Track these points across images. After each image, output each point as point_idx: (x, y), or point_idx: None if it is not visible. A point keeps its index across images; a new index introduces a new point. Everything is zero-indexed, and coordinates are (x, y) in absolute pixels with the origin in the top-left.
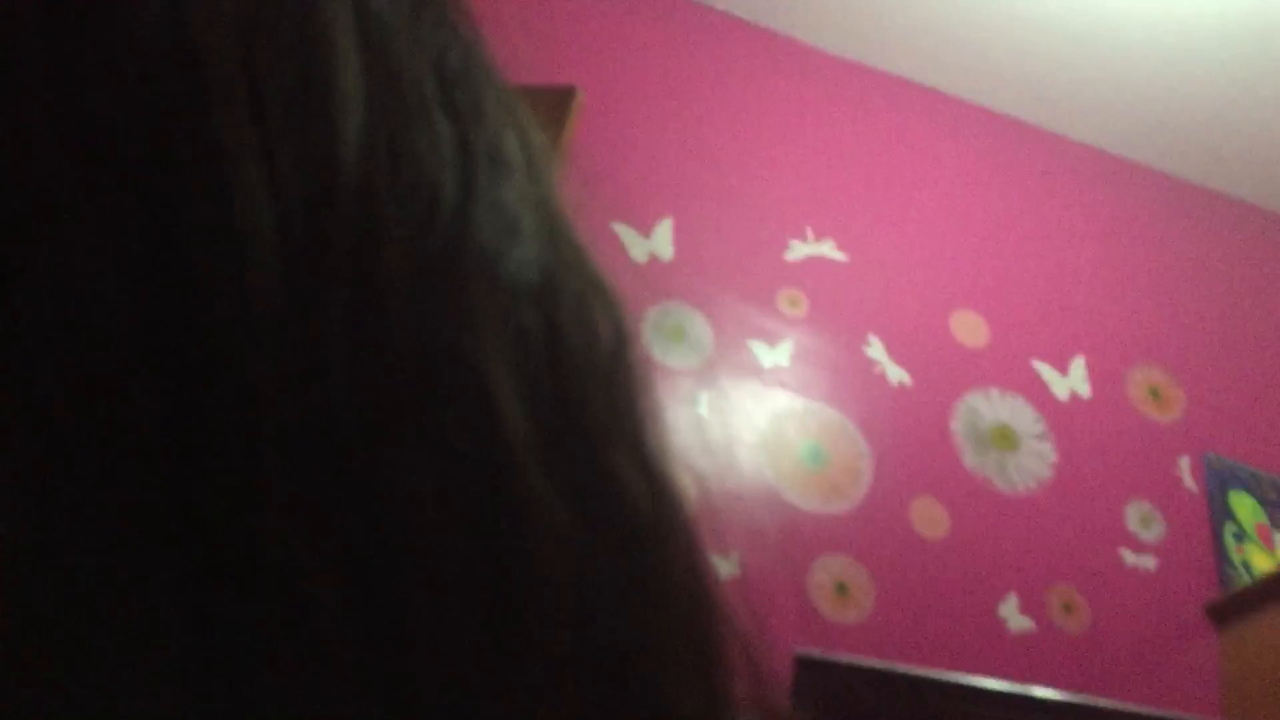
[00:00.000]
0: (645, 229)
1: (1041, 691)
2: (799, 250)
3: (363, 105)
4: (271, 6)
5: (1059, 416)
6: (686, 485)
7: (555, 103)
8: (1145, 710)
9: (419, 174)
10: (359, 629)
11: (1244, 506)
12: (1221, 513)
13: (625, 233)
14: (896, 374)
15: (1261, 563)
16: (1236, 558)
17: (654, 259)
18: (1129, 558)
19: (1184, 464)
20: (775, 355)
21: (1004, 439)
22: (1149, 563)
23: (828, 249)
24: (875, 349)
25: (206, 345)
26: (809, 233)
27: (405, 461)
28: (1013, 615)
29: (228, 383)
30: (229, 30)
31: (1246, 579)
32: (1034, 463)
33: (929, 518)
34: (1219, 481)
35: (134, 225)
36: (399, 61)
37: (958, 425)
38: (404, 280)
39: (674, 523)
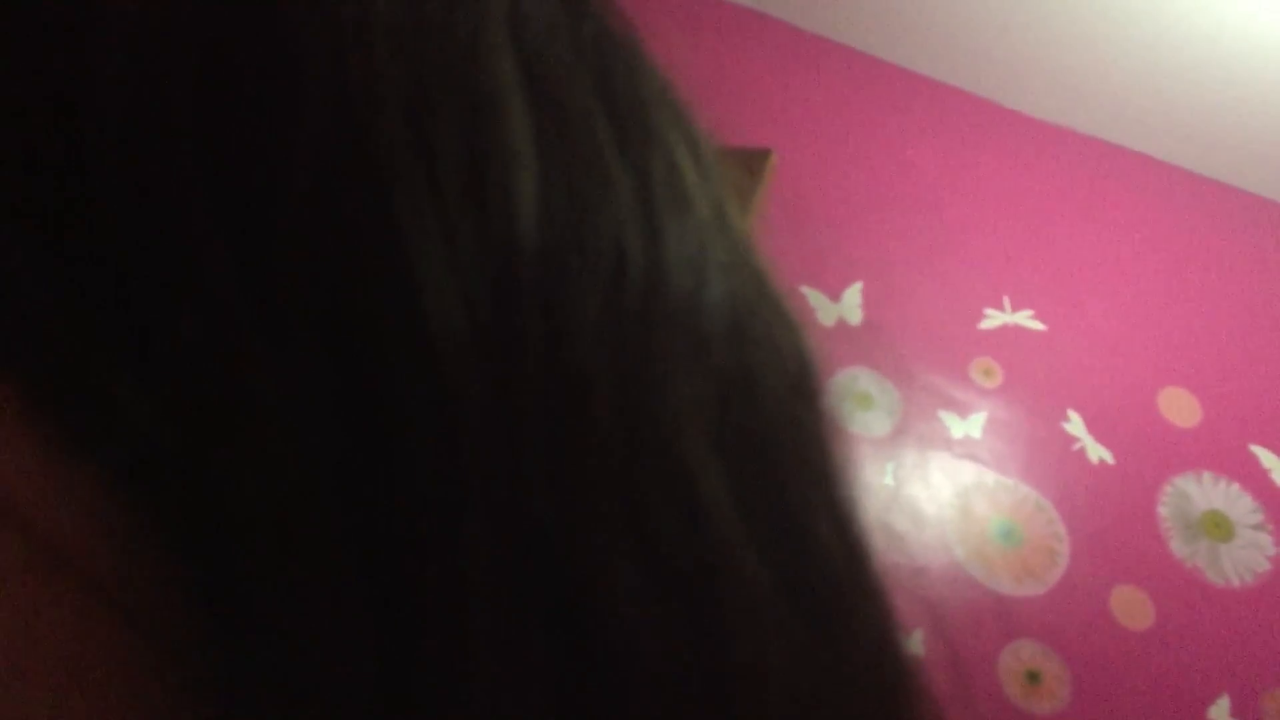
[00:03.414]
0: (835, 293)
1: None
2: (995, 319)
3: (535, 159)
4: (431, 63)
5: (1279, 505)
6: (875, 539)
7: (749, 165)
8: None
9: (601, 230)
10: None
11: None
12: None
13: (814, 296)
14: (1098, 452)
15: None
16: None
17: (842, 323)
18: None
19: None
20: (967, 426)
21: (1217, 527)
22: None
23: (1025, 318)
24: (1075, 425)
25: (405, 453)
26: (1006, 302)
27: (613, 563)
28: (1224, 718)
29: (430, 496)
30: (396, 106)
31: None
32: (1250, 554)
33: (1132, 607)
34: None
35: (316, 341)
36: (566, 100)
37: (1165, 510)
38: (599, 358)
39: (869, 583)
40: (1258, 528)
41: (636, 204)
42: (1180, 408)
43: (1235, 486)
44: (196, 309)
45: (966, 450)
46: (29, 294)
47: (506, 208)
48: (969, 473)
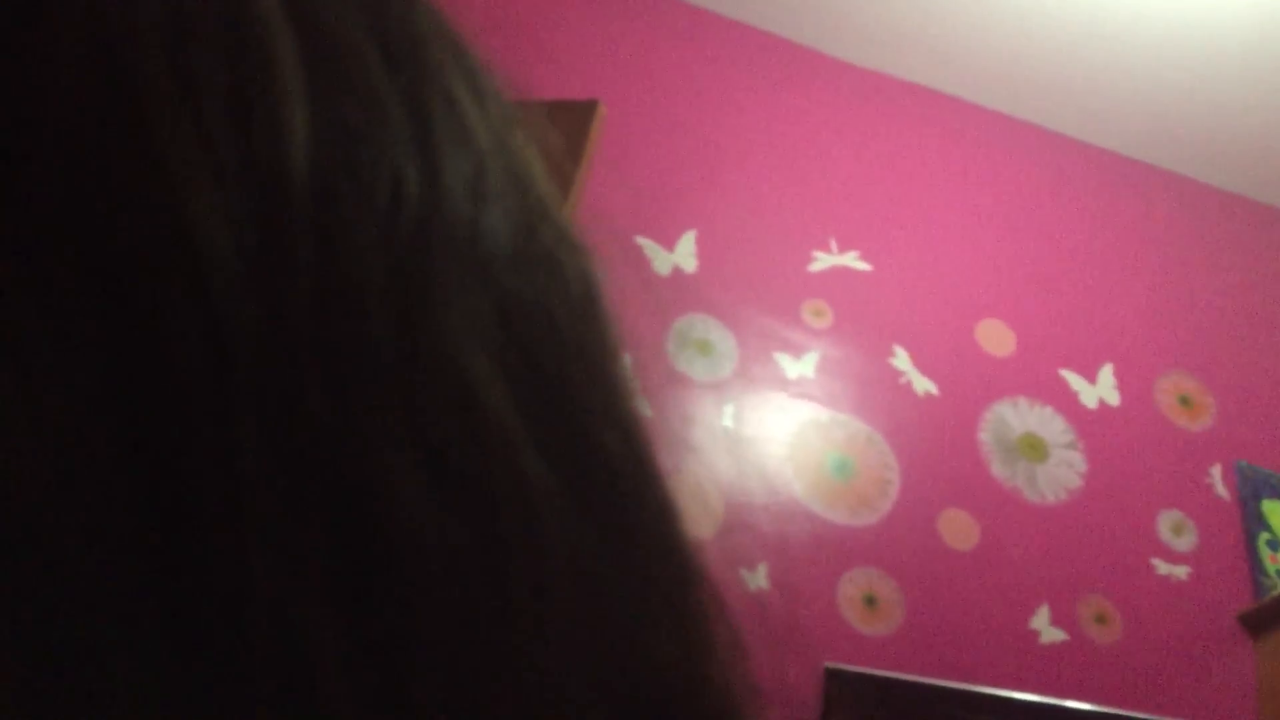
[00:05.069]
0: (669, 242)
1: (1074, 704)
2: (823, 261)
3: (304, 93)
4: (197, 3)
5: (1088, 425)
6: (695, 467)
7: (577, 117)
8: None
9: (375, 159)
10: (354, 647)
11: (1277, 514)
12: (1255, 521)
13: (649, 246)
14: (923, 384)
15: None
16: (1270, 566)
17: (678, 271)
18: (1162, 567)
19: (1216, 472)
20: (800, 367)
21: (1033, 449)
22: (1182, 572)
23: (852, 260)
24: (901, 359)
25: (177, 380)
26: (833, 244)
27: (394, 467)
28: (1045, 627)
29: (204, 414)
30: (155, 40)
31: None
32: (1064, 472)
33: (958, 529)
34: (1252, 490)
35: (80, 280)
36: (335, 34)
37: (986, 435)
38: (375, 280)
39: (655, 489)
40: (1069, 446)
41: (411, 134)
42: (996, 338)
43: (1048, 409)
44: None
45: (801, 390)
46: None
47: (274, 138)
48: (804, 411)
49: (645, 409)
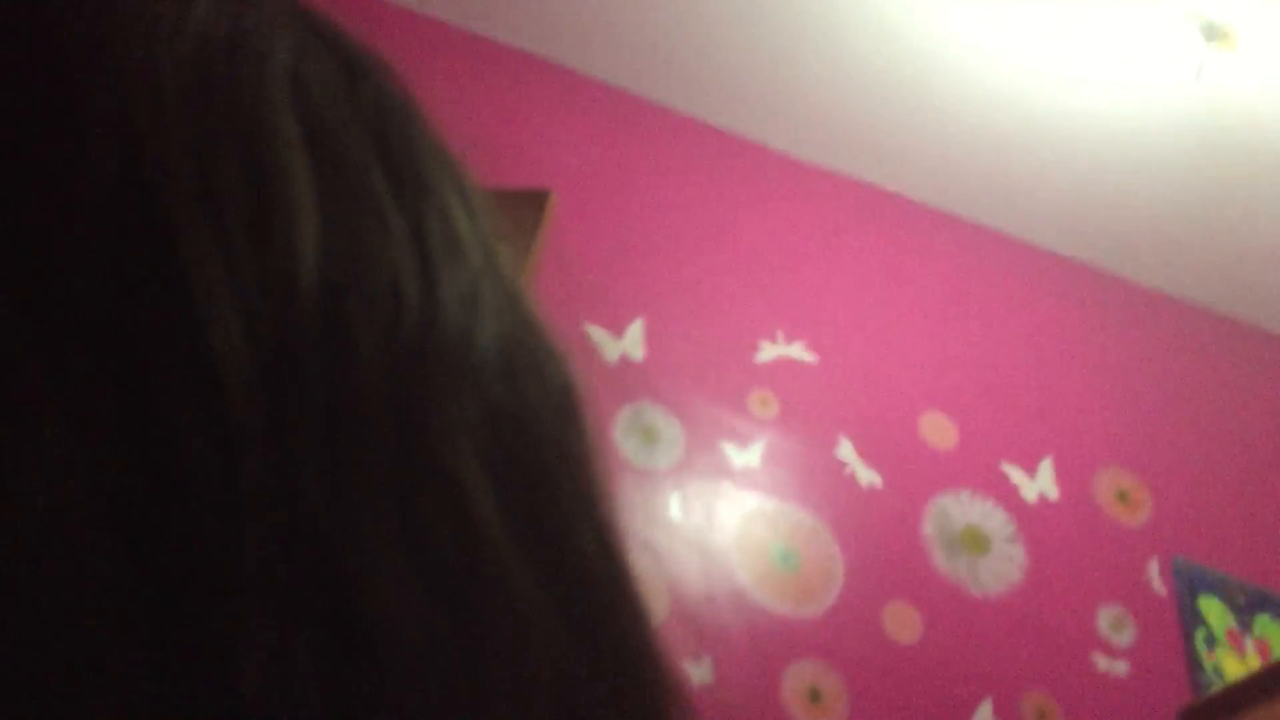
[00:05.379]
0: (617, 329)
1: None
2: (769, 351)
3: (315, 209)
4: (217, 120)
5: (1028, 519)
6: (638, 553)
7: (529, 205)
8: None
9: (379, 272)
10: None
11: (1214, 611)
12: (1192, 617)
13: (597, 333)
14: (867, 476)
15: (1233, 668)
16: (1208, 663)
17: (625, 359)
18: (1102, 662)
19: (1153, 568)
20: (746, 456)
21: (975, 542)
22: (1121, 668)
23: (798, 350)
24: (846, 450)
25: (186, 479)
26: (779, 334)
27: (384, 570)
28: None
29: (207, 509)
30: (181, 159)
31: (1219, 684)
32: (1005, 566)
33: (902, 622)
34: (1188, 585)
35: (99, 378)
36: (344, 153)
37: (929, 528)
38: (376, 388)
39: (630, 593)
40: (1010, 539)
41: (412, 249)
42: (940, 431)
43: (989, 502)
44: None
45: (747, 479)
46: None
47: (288, 252)
48: (750, 501)
49: (618, 510)
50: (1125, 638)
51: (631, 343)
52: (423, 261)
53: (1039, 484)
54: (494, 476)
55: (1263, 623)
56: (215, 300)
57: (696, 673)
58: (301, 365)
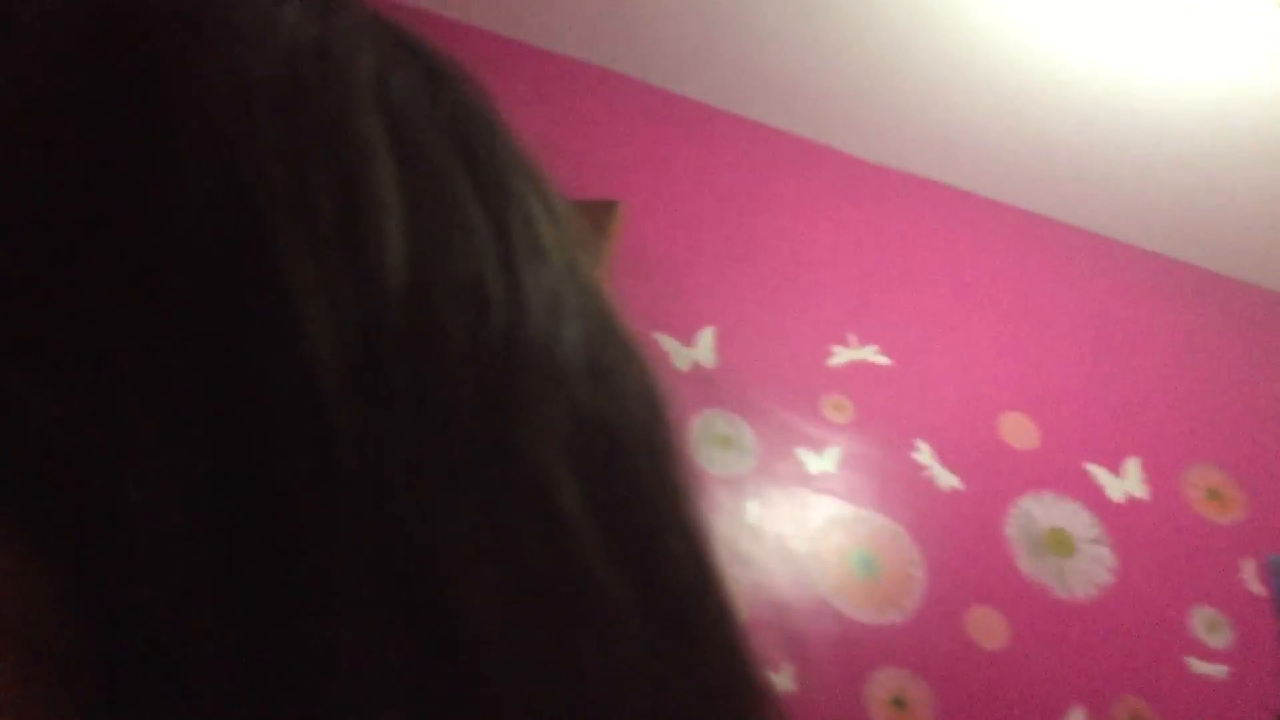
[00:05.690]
0: (688, 338)
1: None
2: (842, 356)
3: (402, 213)
4: (307, 126)
5: (1115, 520)
6: (723, 556)
7: (597, 216)
8: None
9: (464, 273)
10: None
11: None
12: None
13: (668, 342)
14: (946, 479)
15: None
16: None
17: (697, 367)
18: (1197, 665)
19: (1248, 567)
20: (822, 462)
21: (1060, 544)
22: (1218, 671)
23: (871, 354)
24: (923, 453)
25: (278, 479)
26: (852, 338)
27: (470, 563)
28: None
29: (303, 513)
30: (274, 164)
31: None
32: (1092, 568)
33: (986, 627)
34: None
35: (196, 378)
36: (429, 156)
37: (1012, 531)
38: (464, 391)
39: (720, 597)
40: (1096, 541)
41: (496, 252)
42: (1020, 432)
43: (1075, 504)
44: (81, 346)
45: (823, 485)
46: None
47: (377, 254)
48: (827, 507)
49: (706, 512)
50: (1221, 639)
51: (703, 350)
52: (507, 264)
53: (1125, 484)
54: (582, 477)
55: None
56: (309, 301)
57: (778, 682)
58: (390, 366)
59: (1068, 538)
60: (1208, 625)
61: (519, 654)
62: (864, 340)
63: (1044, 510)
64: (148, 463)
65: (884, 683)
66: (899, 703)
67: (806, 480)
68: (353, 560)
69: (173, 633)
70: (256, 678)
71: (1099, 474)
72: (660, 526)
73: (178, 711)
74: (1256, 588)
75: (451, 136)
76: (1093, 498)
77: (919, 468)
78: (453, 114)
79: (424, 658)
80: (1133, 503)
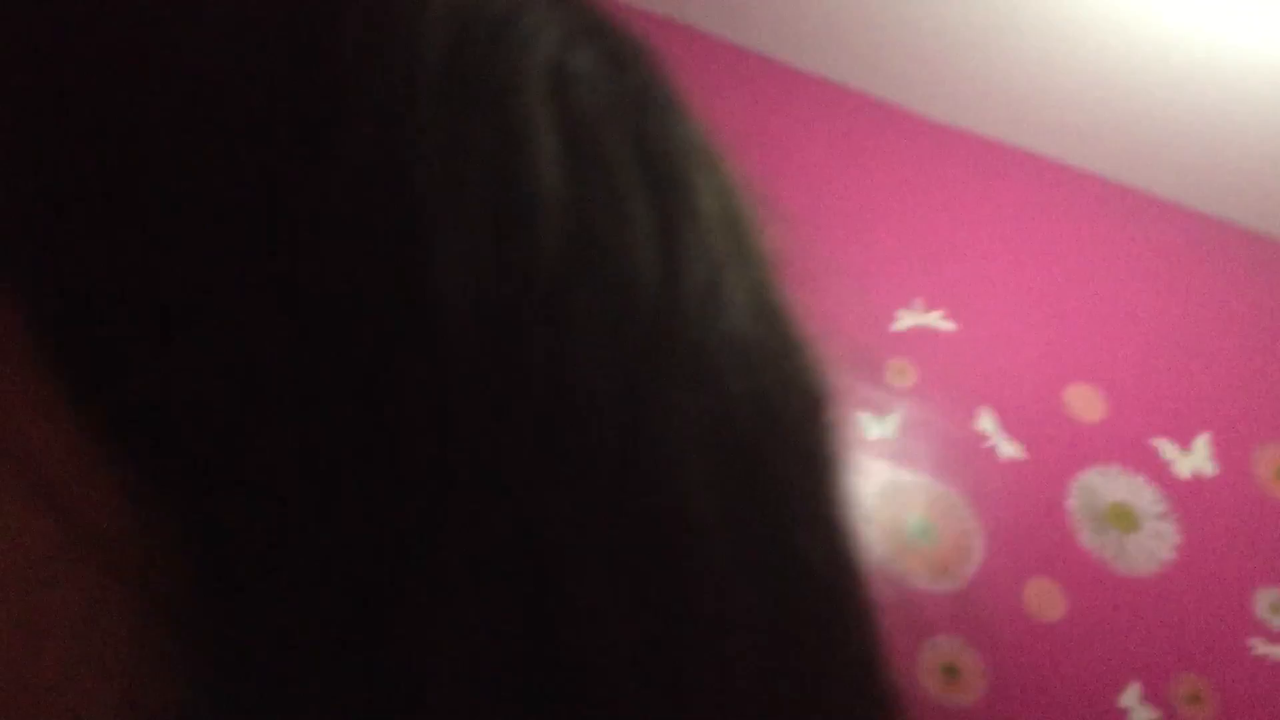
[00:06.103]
0: None
1: None
2: (907, 320)
3: (560, 202)
4: (469, 110)
5: (1182, 496)
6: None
7: None
8: None
9: (616, 266)
10: None
11: None
12: None
13: None
14: (1009, 449)
15: None
16: None
17: None
18: (1259, 647)
19: None
20: (882, 427)
21: (1123, 519)
22: None
23: (936, 319)
24: (986, 422)
25: (405, 450)
26: (917, 303)
27: (589, 565)
28: (1135, 705)
29: (419, 487)
30: (433, 143)
31: None
32: (1156, 544)
33: (1044, 599)
34: None
35: (336, 341)
36: (598, 144)
37: (1074, 503)
38: (603, 382)
39: (856, 607)
40: (1161, 517)
41: (655, 244)
42: (1086, 403)
43: (1140, 478)
44: (231, 300)
45: (883, 450)
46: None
47: (528, 244)
48: (886, 472)
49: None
50: None
51: None
52: (665, 256)
53: (1194, 460)
54: (718, 473)
55: None
56: (450, 283)
57: None
58: (529, 348)
59: (1132, 512)
60: (1273, 607)
61: (623, 658)
62: (930, 305)
63: (1108, 484)
64: (281, 435)
65: (937, 650)
66: (951, 670)
67: (866, 445)
68: (472, 547)
69: (288, 600)
70: (364, 652)
71: (1167, 449)
72: (799, 528)
73: (280, 680)
74: None
75: (626, 123)
76: (1159, 473)
77: (981, 436)
78: (631, 100)
79: (529, 654)
80: (1200, 480)
